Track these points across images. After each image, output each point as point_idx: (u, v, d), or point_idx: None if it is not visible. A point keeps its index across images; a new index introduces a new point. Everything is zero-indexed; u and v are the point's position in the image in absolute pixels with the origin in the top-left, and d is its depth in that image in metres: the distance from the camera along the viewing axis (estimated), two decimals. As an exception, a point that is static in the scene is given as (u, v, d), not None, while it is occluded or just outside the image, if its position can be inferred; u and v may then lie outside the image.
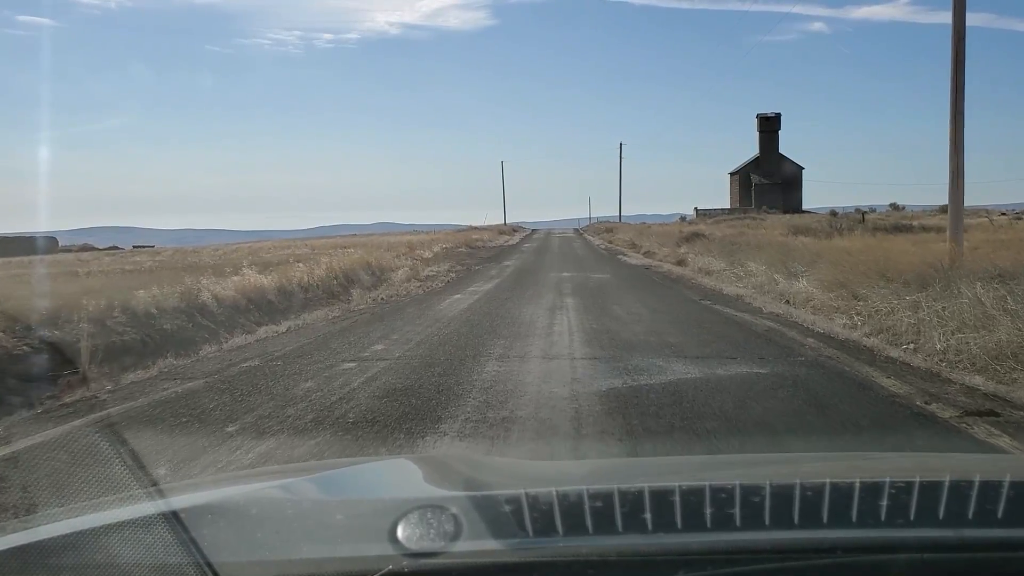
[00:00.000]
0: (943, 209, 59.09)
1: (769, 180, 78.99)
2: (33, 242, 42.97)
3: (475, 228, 62.14)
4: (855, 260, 13.70)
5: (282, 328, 11.12)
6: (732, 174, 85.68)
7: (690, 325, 10.46)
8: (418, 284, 18.03)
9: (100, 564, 1.20)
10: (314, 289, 15.05)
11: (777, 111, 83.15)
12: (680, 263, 22.79)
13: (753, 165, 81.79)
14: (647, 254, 29.24)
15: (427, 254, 31.31)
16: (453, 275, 20.82)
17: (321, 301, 14.48)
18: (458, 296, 14.80)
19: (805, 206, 78.77)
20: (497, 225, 73.31)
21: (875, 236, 30.01)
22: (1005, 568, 1.15)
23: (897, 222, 37.70)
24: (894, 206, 70.30)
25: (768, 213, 65.35)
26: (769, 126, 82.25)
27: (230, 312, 11.54)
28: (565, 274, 20.28)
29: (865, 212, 47.62)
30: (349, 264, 18.70)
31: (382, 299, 14.98)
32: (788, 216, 59.22)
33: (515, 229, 72.20)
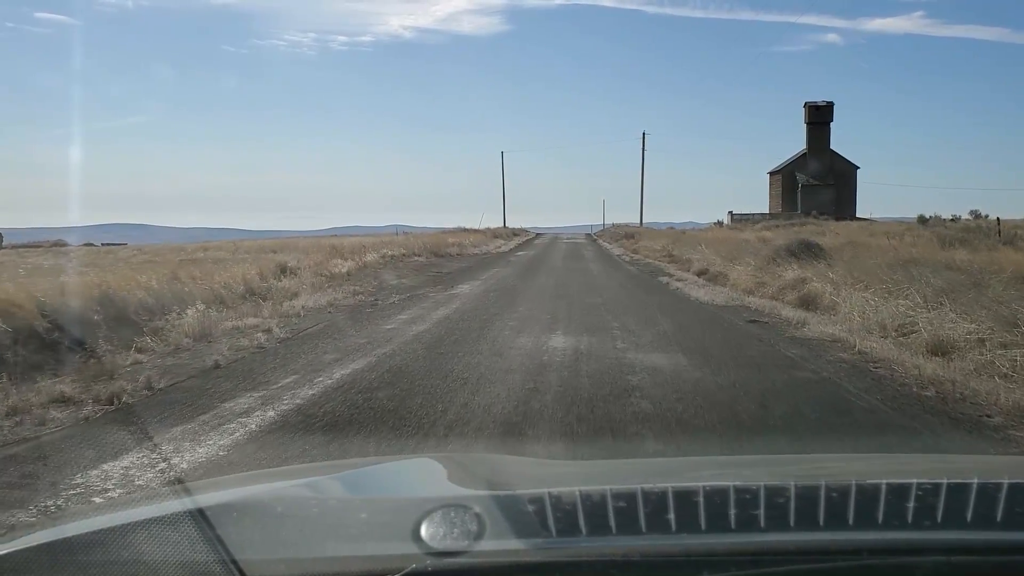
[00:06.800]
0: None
1: (819, 180, 66.36)
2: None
3: (467, 230, 50.02)
4: None
5: None
6: (772, 173, 72.95)
7: None
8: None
9: (127, 561, 1.19)
10: None
11: (829, 100, 70.11)
12: (807, 305, 10.66)
13: (799, 162, 69.07)
14: (706, 275, 17.11)
15: (344, 267, 19.18)
16: (284, 333, 8.71)
17: None
18: None
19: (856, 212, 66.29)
20: (496, 228, 61.02)
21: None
22: None
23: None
24: (976, 214, 58.27)
25: (820, 219, 53.17)
26: (819, 117, 69.06)
27: None
28: (556, 342, 8.17)
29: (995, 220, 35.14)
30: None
31: None
32: (857, 224, 47.24)
33: (516, 232, 59.97)
